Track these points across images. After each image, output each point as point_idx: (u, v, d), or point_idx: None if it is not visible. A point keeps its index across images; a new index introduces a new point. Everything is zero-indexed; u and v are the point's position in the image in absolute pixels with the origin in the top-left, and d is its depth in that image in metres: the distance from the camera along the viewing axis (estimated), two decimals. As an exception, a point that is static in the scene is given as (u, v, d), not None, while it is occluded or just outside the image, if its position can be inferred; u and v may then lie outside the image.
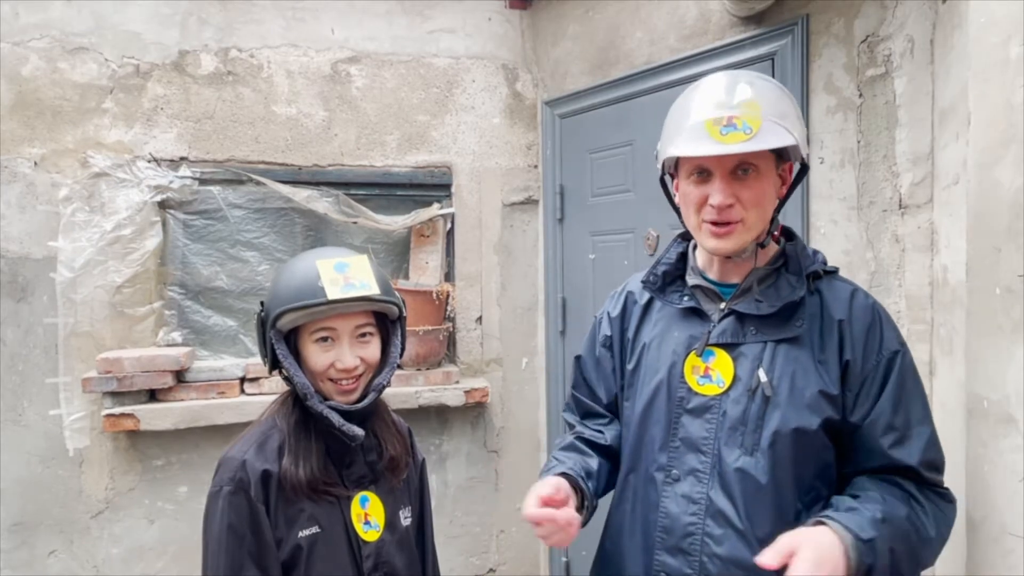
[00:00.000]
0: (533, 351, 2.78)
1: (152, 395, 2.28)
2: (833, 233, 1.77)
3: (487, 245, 2.71)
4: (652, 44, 2.26)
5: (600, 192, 2.47)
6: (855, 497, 1.01)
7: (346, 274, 1.11)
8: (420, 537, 1.31)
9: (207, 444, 2.33)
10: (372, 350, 1.17)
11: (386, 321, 1.22)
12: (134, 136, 2.34)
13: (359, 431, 1.13)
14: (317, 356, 1.13)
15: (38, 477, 2.25)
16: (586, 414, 1.32)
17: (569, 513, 1.04)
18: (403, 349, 1.24)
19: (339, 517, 1.14)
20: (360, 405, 1.15)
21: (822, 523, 0.95)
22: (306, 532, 1.11)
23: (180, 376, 2.31)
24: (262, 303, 1.17)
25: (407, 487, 1.28)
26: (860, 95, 1.71)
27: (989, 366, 1.13)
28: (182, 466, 2.35)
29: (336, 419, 1.11)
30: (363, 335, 1.16)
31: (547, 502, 1.04)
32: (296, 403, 1.18)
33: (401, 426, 1.32)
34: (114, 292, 2.31)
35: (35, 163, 2.25)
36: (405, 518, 1.24)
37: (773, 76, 1.87)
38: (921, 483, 1.02)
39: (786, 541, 0.92)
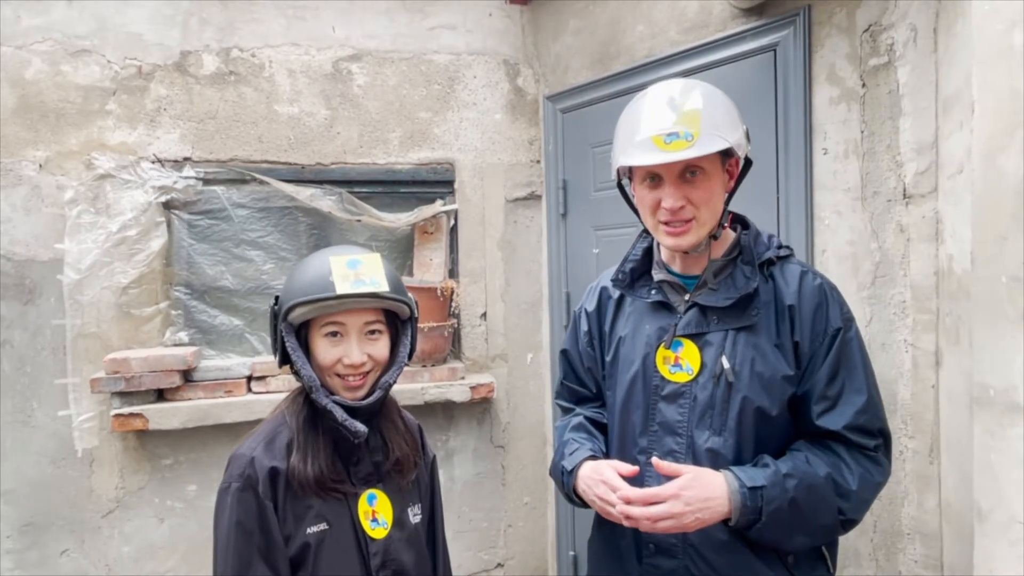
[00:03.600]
0: (538, 346, 2.78)
1: (160, 395, 2.30)
2: (837, 224, 1.76)
3: (491, 241, 2.71)
4: (653, 37, 2.25)
5: (603, 186, 2.47)
6: (778, 456, 1.13)
7: (357, 271, 1.12)
8: (431, 534, 1.32)
9: (215, 443, 2.34)
10: (380, 348, 1.17)
11: (396, 321, 1.22)
12: (138, 137, 2.35)
13: (361, 427, 1.13)
14: (325, 351, 1.14)
15: (48, 477, 2.27)
16: (579, 400, 1.42)
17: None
18: (413, 349, 1.24)
19: (347, 514, 1.15)
20: (365, 402, 1.15)
21: (720, 471, 1.10)
22: (314, 529, 1.11)
23: (187, 375, 2.33)
24: (276, 297, 1.18)
25: (417, 484, 1.28)
26: (863, 85, 1.70)
27: (995, 355, 1.13)
28: (191, 465, 2.37)
29: (339, 413, 1.11)
30: (372, 332, 1.16)
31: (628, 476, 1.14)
32: (306, 400, 1.18)
33: (411, 424, 1.32)
34: (120, 293, 2.32)
35: (40, 166, 2.27)
36: (414, 515, 1.25)
37: (775, 68, 1.88)
38: (850, 446, 1.13)
39: (685, 466, 1.09)
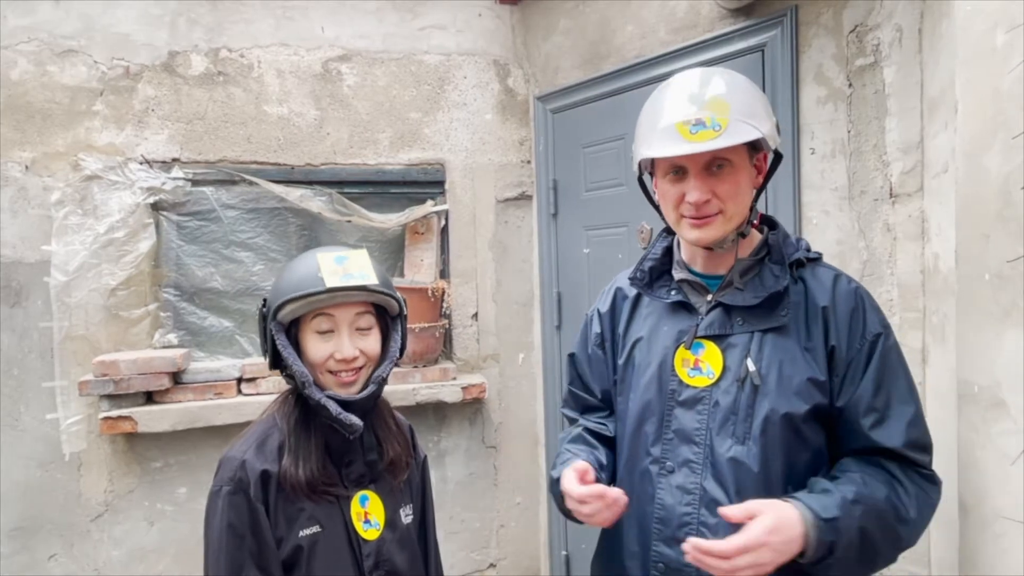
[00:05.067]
0: (529, 346, 2.79)
1: (149, 397, 2.28)
2: (825, 223, 1.78)
3: (481, 241, 2.71)
4: (643, 38, 2.26)
5: (593, 186, 2.48)
6: (834, 479, 1.04)
7: (345, 266, 1.13)
8: (422, 534, 1.32)
9: (205, 445, 2.33)
10: (372, 343, 1.17)
11: (386, 317, 1.22)
12: (125, 138, 2.33)
13: (357, 420, 1.12)
14: (316, 347, 1.13)
15: (37, 481, 2.25)
16: (585, 409, 1.34)
17: (618, 490, 1.07)
18: (403, 346, 1.23)
19: (339, 516, 1.14)
20: (359, 395, 1.14)
21: (789, 502, 0.99)
22: (307, 531, 1.11)
23: (177, 378, 2.31)
24: (264, 299, 1.18)
25: (408, 485, 1.28)
26: (850, 85, 1.72)
27: (979, 352, 1.14)
28: (180, 467, 2.35)
29: (333, 407, 1.10)
30: (362, 327, 1.16)
31: (584, 477, 1.08)
32: (296, 400, 1.18)
33: (403, 425, 1.32)
34: (109, 295, 2.30)
35: (26, 167, 2.24)
36: (406, 516, 1.24)
37: (763, 68, 1.89)
38: (905, 464, 1.04)
39: (754, 504, 0.97)
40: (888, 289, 1.65)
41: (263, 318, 1.17)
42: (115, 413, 2.19)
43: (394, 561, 1.18)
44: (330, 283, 1.10)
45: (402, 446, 1.25)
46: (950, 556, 1.38)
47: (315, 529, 1.11)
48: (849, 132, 1.72)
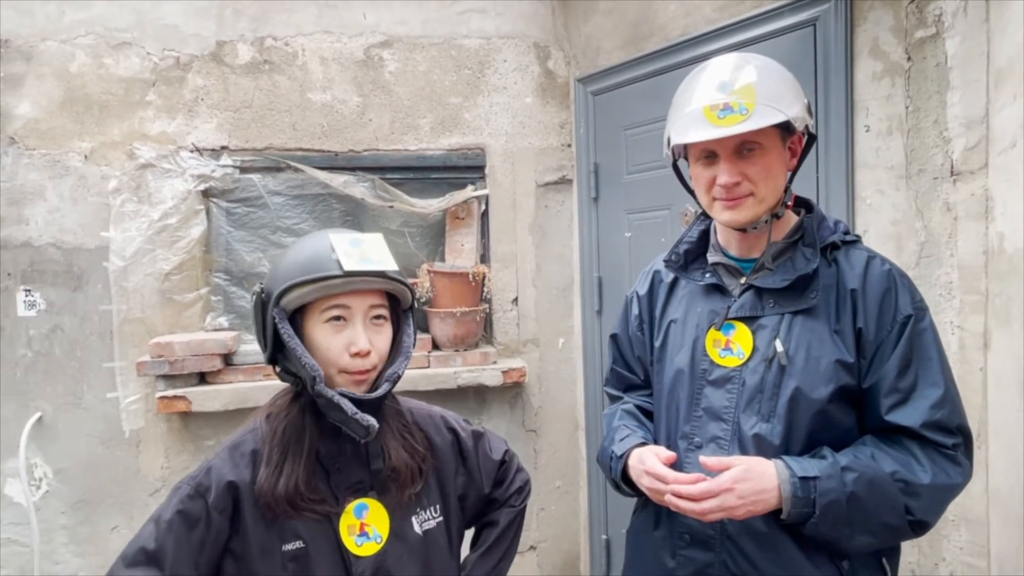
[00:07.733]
0: (569, 331, 2.78)
1: (202, 378, 2.36)
2: (880, 203, 1.71)
3: (522, 226, 2.71)
4: (687, 15, 2.20)
5: (635, 169, 2.44)
6: (841, 449, 1.06)
7: (362, 249, 1.01)
8: (490, 537, 1.21)
9: (255, 425, 2.40)
10: (384, 338, 1.06)
11: (398, 310, 1.11)
12: (177, 127, 2.40)
13: (372, 420, 1.00)
14: (328, 339, 1.00)
15: (98, 457, 2.36)
16: (627, 387, 1.40)
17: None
18: (415, 340, 1.12)
19: (327, 530, 1.03)
20: (374, 394, 1.02)
21: (771, 460, 1.05)
22: (289, 547, 1.01)
23: (228, 359, 2.39)
24: (259, 285, 1.04)
25: (436, 484, 1.15)
26: (908, 58, 1.64)
27: (1050, 335, 1.09)
28: (232, 446, 2.44)
29: (348, 407, 0.98)
30: (377, 318, 1.04)
31: (669, 462, 1.12)
32: (292, 401, 1.07)
33: (424, 420, 1.19)
34: (163, 279, 2.39)
35: (85, 156, 2.34)
36: (423, 522, 1.11)
37: (815, 43, 1.82)
38: (925, 443, 1.04)
39: (732, 457, 1.05)
40: (947, 271, 1.59)
41: (261, 305, 1.02)
42: (170, 393, 2.28)
43: None
44: (348, 266, 0.97)
45: (411, 452, 1.11)
46: (1012, 547, 1.33)
47: (297, 544, 1.01)
48: (907, 108, 1.65)
